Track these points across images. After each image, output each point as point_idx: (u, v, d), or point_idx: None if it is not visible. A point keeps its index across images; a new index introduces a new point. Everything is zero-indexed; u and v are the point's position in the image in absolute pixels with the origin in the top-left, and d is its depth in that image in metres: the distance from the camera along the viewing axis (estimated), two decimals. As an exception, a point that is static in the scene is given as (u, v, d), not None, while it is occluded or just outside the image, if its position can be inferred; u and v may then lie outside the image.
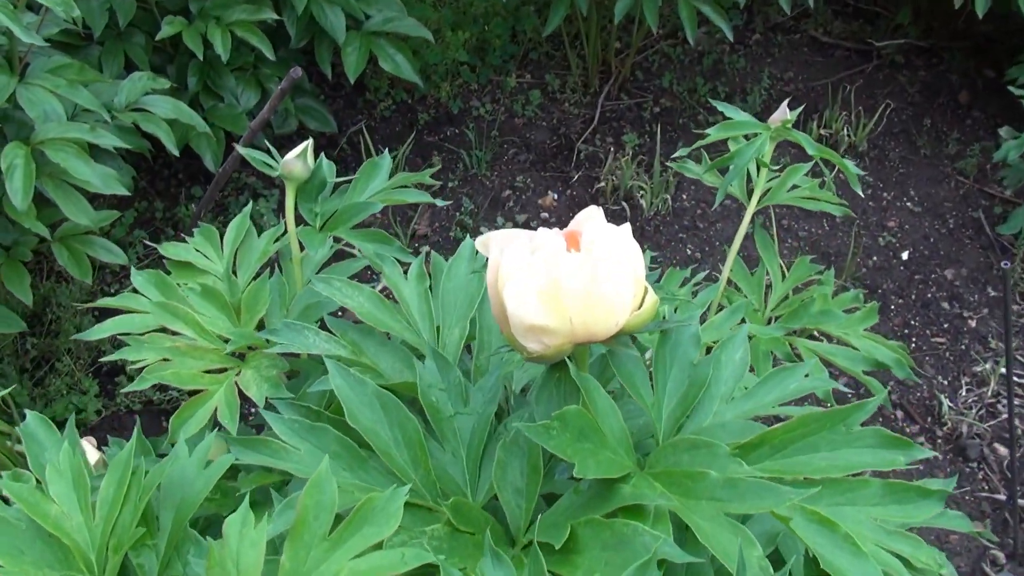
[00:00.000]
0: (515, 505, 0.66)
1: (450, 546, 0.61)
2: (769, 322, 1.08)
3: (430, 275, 0.90)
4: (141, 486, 0.70)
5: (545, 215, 2.02)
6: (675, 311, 1.02)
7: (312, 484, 0.55)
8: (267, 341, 0.83)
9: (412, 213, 1.97)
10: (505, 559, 0.55)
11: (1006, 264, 1.07)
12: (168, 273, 1.06)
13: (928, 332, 1.84)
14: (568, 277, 0.61)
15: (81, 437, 1.64)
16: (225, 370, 0.87)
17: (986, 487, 1.57)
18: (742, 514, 0.60)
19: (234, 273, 1.06)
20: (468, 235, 1.98)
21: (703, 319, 1.02)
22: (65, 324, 1.72)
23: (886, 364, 1.04)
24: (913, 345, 1.81)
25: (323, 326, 0.85)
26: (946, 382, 1.74)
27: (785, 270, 1.82)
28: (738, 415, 0.69)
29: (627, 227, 0.65)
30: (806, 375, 0.73)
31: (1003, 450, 1.62)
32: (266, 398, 0.83)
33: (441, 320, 0.88)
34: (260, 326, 0.96)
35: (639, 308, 0.65)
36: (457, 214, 2.01)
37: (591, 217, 0.68)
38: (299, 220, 1.02)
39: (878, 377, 1.55)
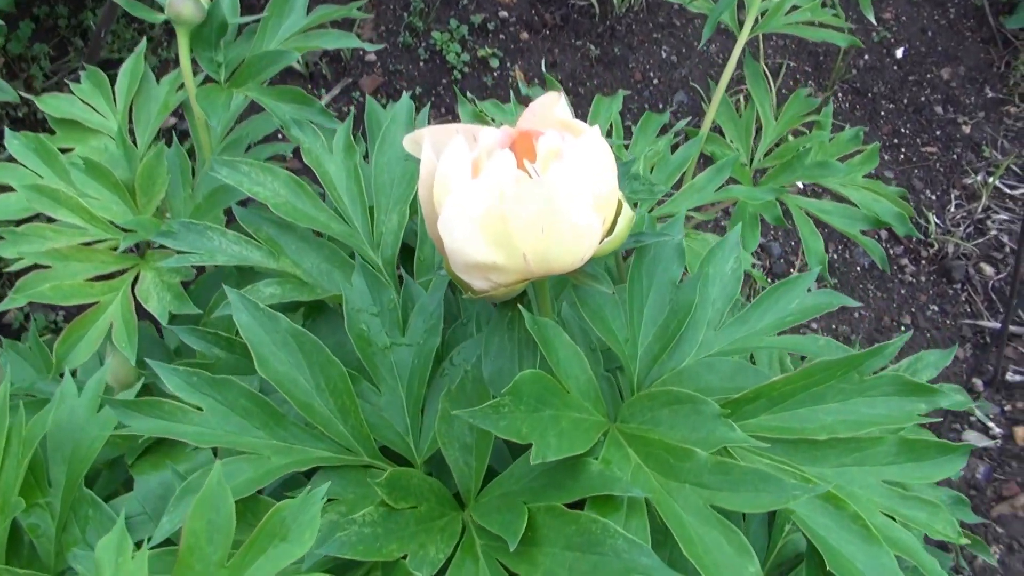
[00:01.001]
0: (463, 464, 0.56)
1: (386, 530, 0.51)
2: (758, 176, 0.94)
3: (363, 125, 0.75)
4: (23, 438, 0.59)
5: (504, 14, 1.80)
6: (651, 171, 0.88)
7: (202, 501, 0.44)
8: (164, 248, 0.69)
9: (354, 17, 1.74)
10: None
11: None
12: (53, 133, 0.89)
13: (919, 140, 1.70)
14: (518, 209, 0.48)
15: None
16: (120, 273, 0.74)
17: (968, 309, 1.51)
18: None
19: (132, 133, 0.89)
20: (419, 41, 1.76)
21: (681, 181, 0.88)
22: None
23: (886, 222, 0.92)
24: (902, 156, 1.68)
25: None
26: (934, 197, 1.64)
27: (770, 81, 1.65)
28: (727, 347, 0.58)
29: (595, 132, 0.51)
30: (810, 288, 0.61)
31: (989, 270, 1.55)
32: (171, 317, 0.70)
33: (375, 202, 0.74)
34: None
35: (610, 233, 0.52)
36: (406, 15, 1.78)
37: (549, 112, 0.52)
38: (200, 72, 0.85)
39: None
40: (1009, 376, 1.39)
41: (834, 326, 1.47)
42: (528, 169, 0.50)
